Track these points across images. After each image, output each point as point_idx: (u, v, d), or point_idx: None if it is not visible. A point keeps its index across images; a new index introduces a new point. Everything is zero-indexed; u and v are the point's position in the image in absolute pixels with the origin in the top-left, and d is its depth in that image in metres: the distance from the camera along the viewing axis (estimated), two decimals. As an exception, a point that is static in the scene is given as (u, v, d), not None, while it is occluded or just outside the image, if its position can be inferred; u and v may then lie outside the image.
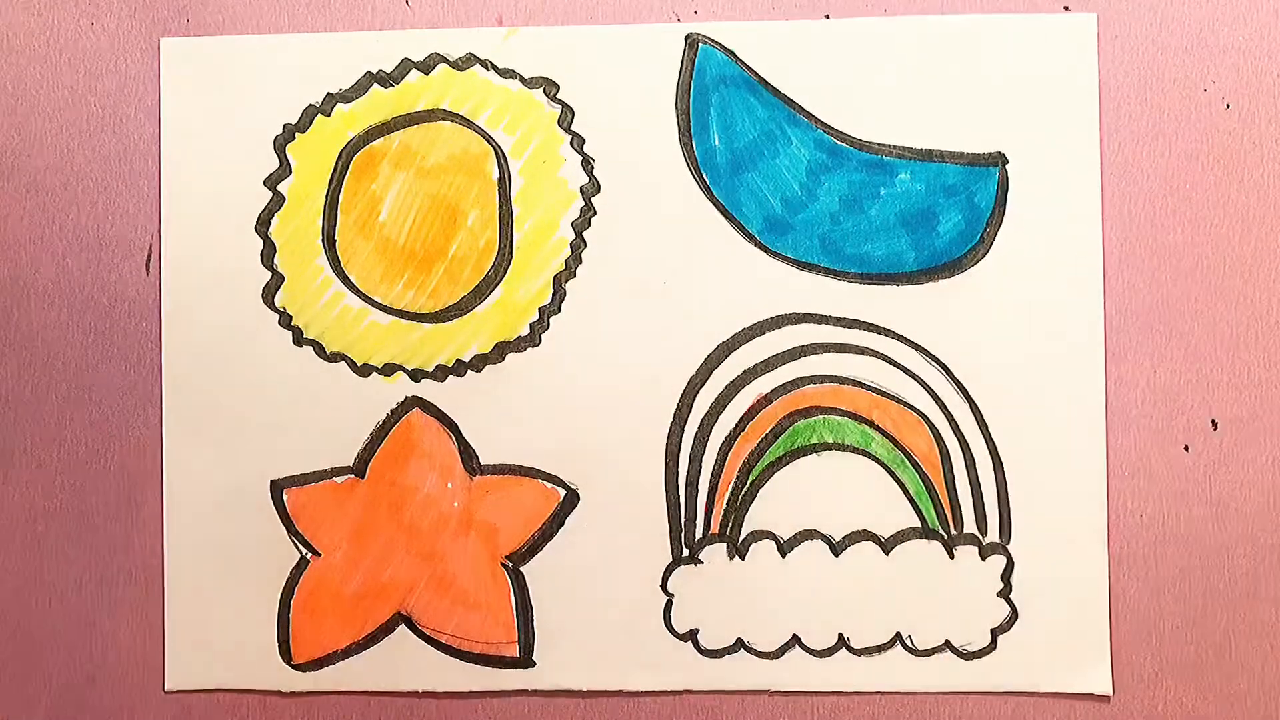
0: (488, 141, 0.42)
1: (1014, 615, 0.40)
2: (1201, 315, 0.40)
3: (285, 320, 0.42)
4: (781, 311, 0.41)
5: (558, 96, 0.42)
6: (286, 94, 0.42)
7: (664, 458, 0.41)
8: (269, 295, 0.42)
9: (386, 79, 0.42)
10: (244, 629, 0.42)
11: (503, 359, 0.41)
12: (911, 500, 0.41)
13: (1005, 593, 0.40)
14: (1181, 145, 0.40)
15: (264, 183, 0.42)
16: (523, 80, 0.42)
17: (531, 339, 0.41)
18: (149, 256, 0.42)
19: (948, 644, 0.40)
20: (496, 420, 0.41)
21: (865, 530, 0.41)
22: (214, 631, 0.42)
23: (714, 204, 0.41)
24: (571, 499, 0.41)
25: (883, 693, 0.40)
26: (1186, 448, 0.40)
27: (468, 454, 0.41)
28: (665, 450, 0.41)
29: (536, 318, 0.41)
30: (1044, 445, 0.40)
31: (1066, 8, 0.41)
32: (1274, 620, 0.40)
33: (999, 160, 0.41)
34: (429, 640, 0.41)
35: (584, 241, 0.41)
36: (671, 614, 0.41)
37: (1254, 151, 0.40)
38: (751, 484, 0.41)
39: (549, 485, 0.41)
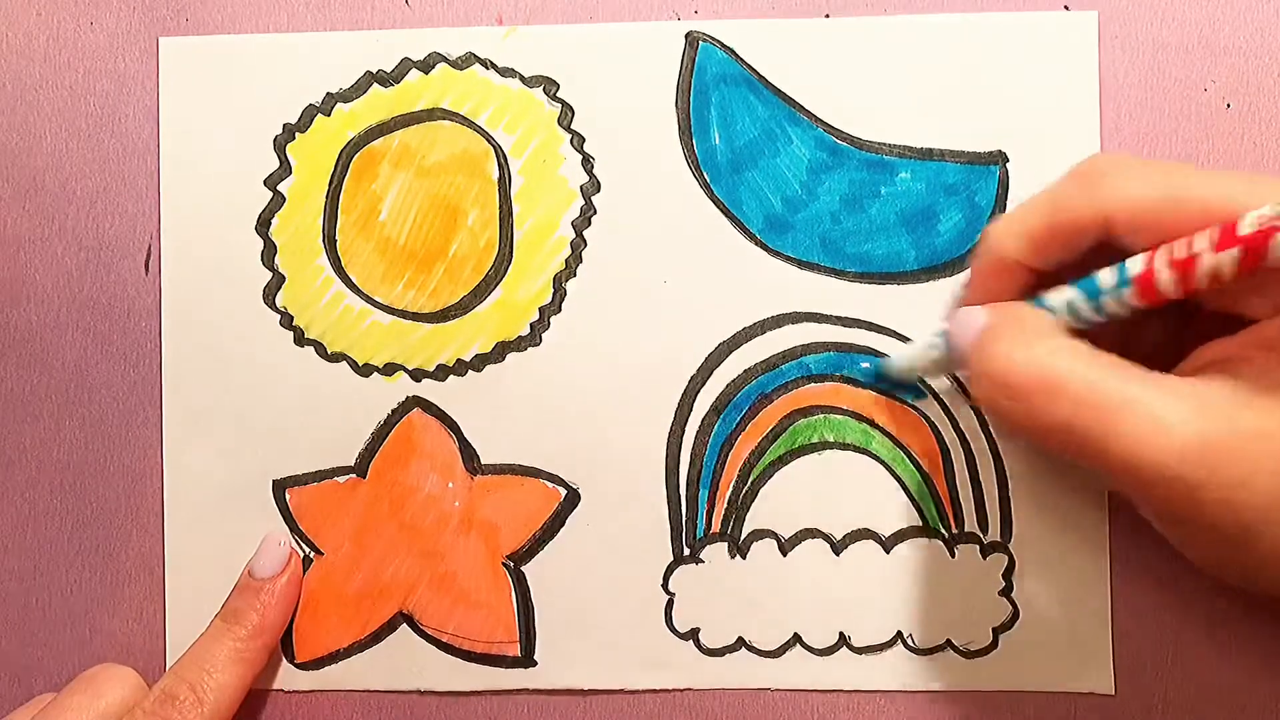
0: (488, 141, 0.42)
1: (1015, 614, 0.40)
2: (1201, 314, 0.40)
3: (286, 320, 0.42)
4: (782, 310, 0.41)
5: (558, 95, 0.41)
6: (286, 93, 0.42)
7: (665, 457, 0.41)
8: (270, 295, 0.42)
9: (386, 78, 0.42)
10: (245, 629, 0.42)
11: (503, 358, 0.41)
12: (912, 499, 0.41)
13: (1007, 591, 0.40)
14: (1181, 145, 0.40)
15: (264, 183, 0.42)
16: (522, 79, 0.42)
17: (532, 338, 0.41)
18: (149, 256, 0.42)
19: (949, 643, 0.40)
20: (497, 420, 0.41)
21: (866, 529, 0.41)
22: (215, 631, 0.42)
23: (714, 203, 0.41)
24: (572, 498, 0.41)
25: (884, 692, 0.41)
26: (1186, 446, 0.40)
27: (468, 453, 0.41)
28: (666, 449, 0.41)
29: (537, 317, 0.41)
30: (1044, 444, 0.40)
31: (1066, 6, 0.41)
32: (1275, 619, 0.40)
33: (999, 159, 0.41)
34: (430, 639, 0.41)
35: (584, 241, 0.41)
36: (672, 613, 0.41)
37: (1254, 151, 0.40)
38: (752, 483, 0.41)
39: (550, 485, 0.41)
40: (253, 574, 0.40)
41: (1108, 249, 0.34)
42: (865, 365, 0.41)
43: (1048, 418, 0.31)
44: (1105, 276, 0.34)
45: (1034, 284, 0.36)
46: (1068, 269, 0.35)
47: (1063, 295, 0.35)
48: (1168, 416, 0.30)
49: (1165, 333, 0.36)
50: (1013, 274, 0.35)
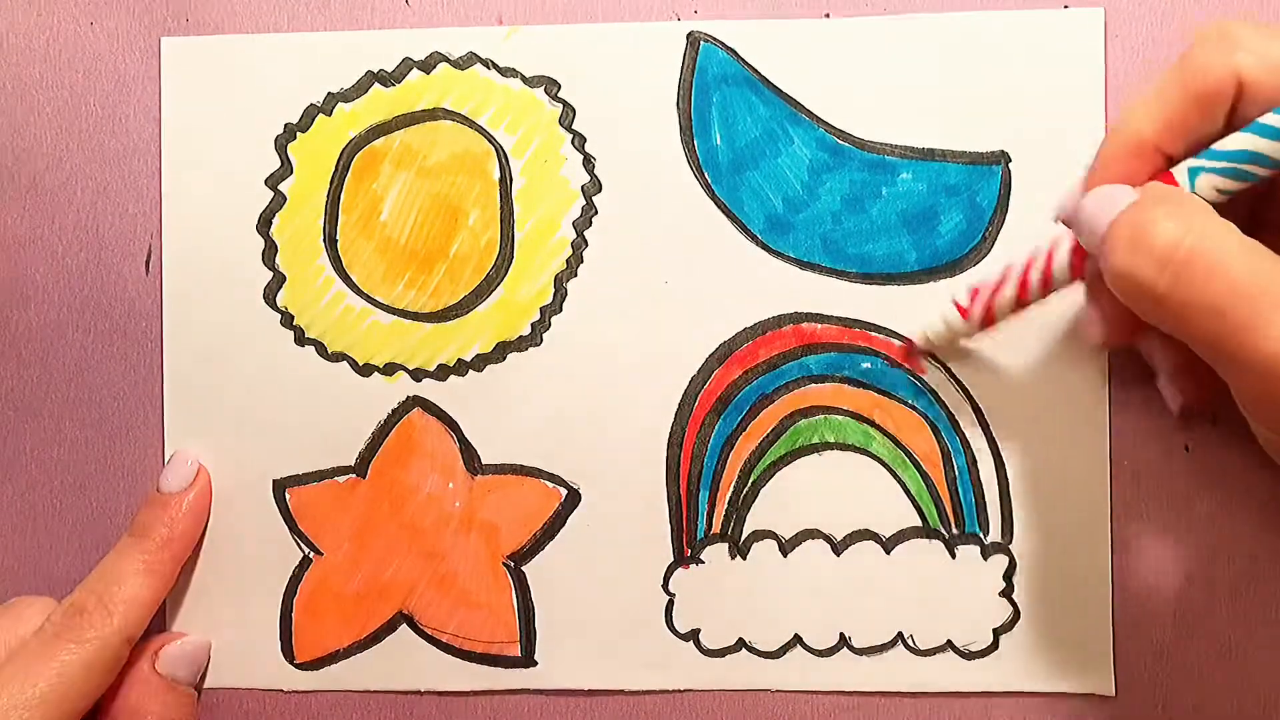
0: (489, 141, 0.42)
1: (1016, 615, 0.40)
2: (1203, 315, 0.40)
3: (287, 320, 0.42)
4: (783, 311, 0.41)
5: (559, 95, 0.41)
6: (287, 93, 0.42)
7: (665, 457, 0.41)
8: (270, 295, 0.42)
9: (388, 78, 0.42)
10: (246, 628, 0.42)
11: (504, 358, 0.41)
12: (913, 499, 0.41)
13: (1007, 592, 0.40)
14: (1183, 145, 0.40)
15: (265, 182, 0.42)
16: (524, 79, 0.42)
17: (533, 338, 0.41)
18: (149, 256, 0.42)
19: (949, 644, 0.40)
20: (498, 420, 0.41)
21: (866, 530, 0.41)
22: (215, 631, 0.42)
23: (715, 203, 0.41)
24: (573, 498, 0.41)
25: (884, 693, 0.41)
26: (1187, 448, 0.40)
27: (469, 453, 0.41)
28: (666, 449, 0.41)
29: (538, 317, 0.41)
30: (1045, 444, 0.40)
31: (1065, 5, 0.41)
32: (1275, 620, 0.40)
33: (1001, 159, 0.41)
34: (430, 640, 0.41)
35: (585, 241, 0.41)
36: (673, 614, 0.41)
37: (1255, 151, 0.40)
38: (753, 483, 0.41)
39: (550, 485, 0.41)
40: (160, 489, 0.41)
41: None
42: (866, 365, 0.41)
43: (1200, 296, 0.29)
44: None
45: (1162, 169, 0.33)
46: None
47: (1203, 175, 0.32)
48: None
49: None
50: (1144, 157, 0.33)
